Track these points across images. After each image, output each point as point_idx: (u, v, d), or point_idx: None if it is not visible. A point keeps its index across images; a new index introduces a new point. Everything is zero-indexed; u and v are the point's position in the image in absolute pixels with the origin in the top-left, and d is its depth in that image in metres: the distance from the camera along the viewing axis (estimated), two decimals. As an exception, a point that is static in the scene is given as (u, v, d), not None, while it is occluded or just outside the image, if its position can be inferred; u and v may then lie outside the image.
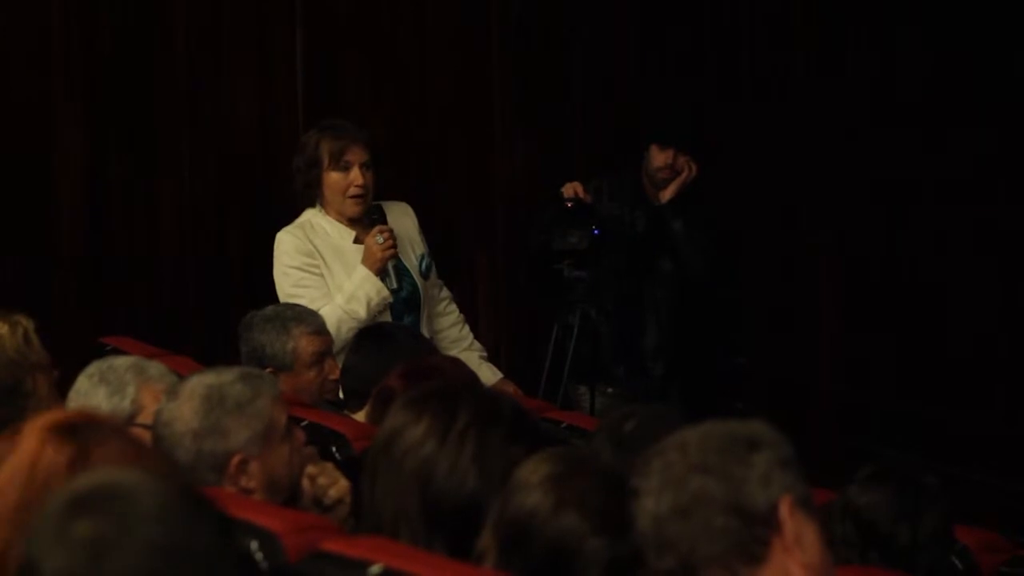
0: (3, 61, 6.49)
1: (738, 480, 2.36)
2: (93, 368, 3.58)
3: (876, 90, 7.33)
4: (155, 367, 3.61)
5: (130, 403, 3.51)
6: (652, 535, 2.38)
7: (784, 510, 2.36)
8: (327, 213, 5.50)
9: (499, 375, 5.66)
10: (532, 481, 2.53)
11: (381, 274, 5.40)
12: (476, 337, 5.81)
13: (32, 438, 2.19)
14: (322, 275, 5.42)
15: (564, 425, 4.37)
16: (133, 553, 1.84)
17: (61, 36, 6.56)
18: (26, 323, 3.92)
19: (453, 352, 5.44)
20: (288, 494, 3.25)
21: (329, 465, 3.35)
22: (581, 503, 2.50)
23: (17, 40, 6.49)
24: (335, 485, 3.30)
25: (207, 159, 6.83)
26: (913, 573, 3.06)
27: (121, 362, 3.60)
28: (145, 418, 3.45)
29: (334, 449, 3.75)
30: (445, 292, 5.76)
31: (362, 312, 5.32)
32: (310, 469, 3.31)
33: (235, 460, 3.15)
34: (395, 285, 5.42)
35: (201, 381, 3.21)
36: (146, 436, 3.27)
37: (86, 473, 2.01)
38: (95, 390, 3.52)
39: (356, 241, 5.47)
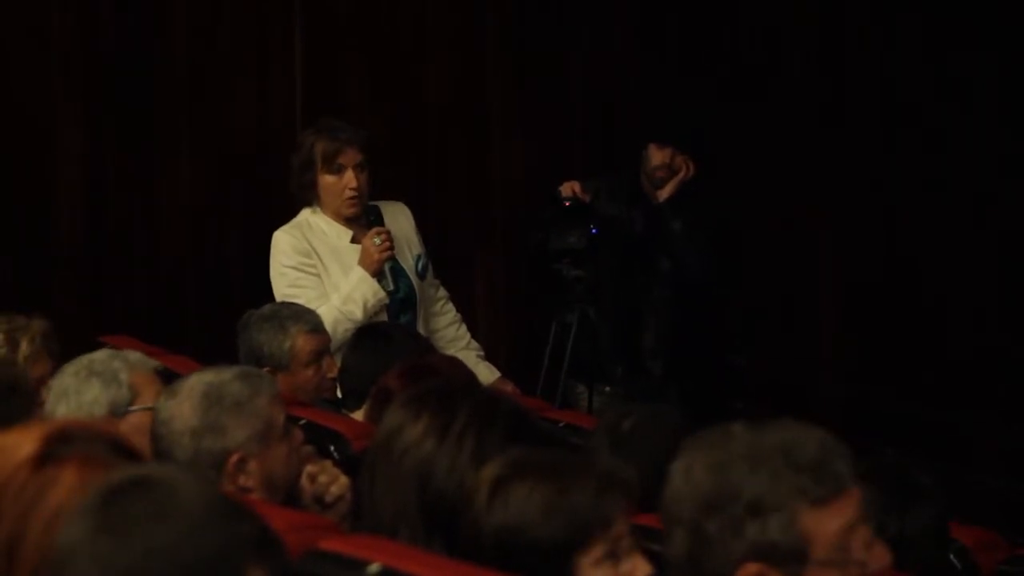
0: (3, 61, 6.49)
1: (700, 537, 2.25)
2: (73, 367, 3.56)
3: (876, 90, 7.33)
4: (133, 354, 3.62)
5: (128, 390, 3.51)
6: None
7: None
8: (324, 213, 5.50)
9: (496, 374, 5.65)
10: (479, 485, 2.61)
11: (378, 276, 5.39)
12: (474, 336, 5.81)
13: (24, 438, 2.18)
14: (319, 275, 5.41)
15: (562, 424, 4.37)
16: (163, 540, 1.82)
17: (61, 36, 6.56)
18: (38, 328, 3.94)
19: (450, 351, 5.45)
20: (286, 494, 3.25)
21: (328, 463, 3.35)
22: (511, 500, 2.55)
23: (17, 40, 6.50)
24: (336, 482, 3.30)
25: (207, 159, 6.83)
26: (904, 567, 3.06)
27: (100, 355, 3.60)
28: (144, 402, 3.46)
29: (332, 448, 3.74)
30: (442, 292, 5.75)
31: (358, 313, 5.31)
32: (310, 468, 3.32)
33: (233, 459, 3.15)
34: (392, 287, 5.41)
35: (200, 379, 3.22)
36: (148, 420, 3.28)
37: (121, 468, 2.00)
38: (86, 385, 3.51)
39: (353, 241, 5.46)
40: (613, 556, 2.54)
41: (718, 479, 2.25)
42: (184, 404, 3.17)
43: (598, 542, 2.54)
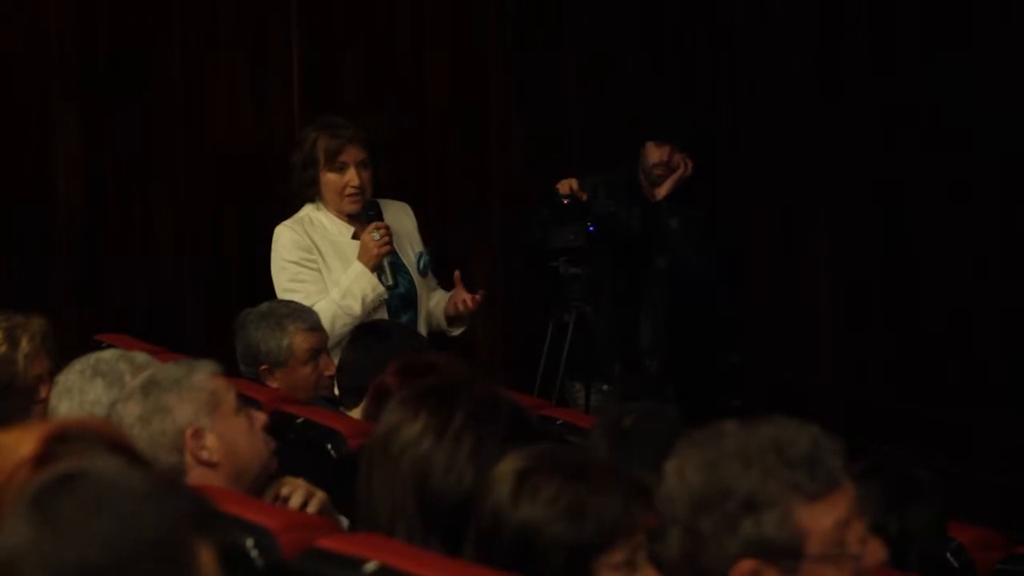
0: (3, 61, 6.49)
1: (694, 535, 2.25)
2: (80, 365, 3.56)
3: (876, 90, 7.33)
4: (140, 355, 3.62)
5: None
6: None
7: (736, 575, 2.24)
8: (326, 209, 5.49)
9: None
10: (501, 476, 2.59)
11: (376, 270, 5.39)
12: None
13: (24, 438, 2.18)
14: (319, 270, 5.41)
15: (559, 422, 4.36)
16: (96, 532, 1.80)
17: (59, 36, 6.57)
18: (38, 326, 3.94)
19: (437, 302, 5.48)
20: (260, 476, 3.23)
21: (300, 480, 3.31)
22: (539, 495, 2.54)
23: (15, 40, 6.50)
24: (312, 499, 3.27)
25: (204, 159, 6.84)
26: (904, 566, 3.06)
27: (108, 354, 3.60)
28: None
29: (329, 446, 3.74)
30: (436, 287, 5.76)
31: (357, 308, 5.31)
32: (283, 490, 3.29)
33: (188, 433, 3.16)
34: (390, 282, 5.40)
35: (138, 379, 3.26)
36: None
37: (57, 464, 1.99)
38: (90, 384, 3.51)
39: (354, 237, 5.45)
40: (630, 564, 2.54)
41: (711, 477, 2.26)
42: (128, 402, 3.20)
43: (620, 548, 2.53)
